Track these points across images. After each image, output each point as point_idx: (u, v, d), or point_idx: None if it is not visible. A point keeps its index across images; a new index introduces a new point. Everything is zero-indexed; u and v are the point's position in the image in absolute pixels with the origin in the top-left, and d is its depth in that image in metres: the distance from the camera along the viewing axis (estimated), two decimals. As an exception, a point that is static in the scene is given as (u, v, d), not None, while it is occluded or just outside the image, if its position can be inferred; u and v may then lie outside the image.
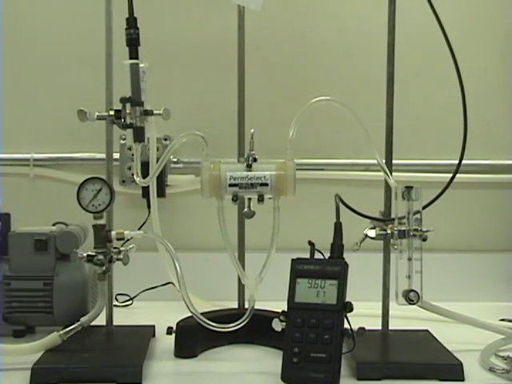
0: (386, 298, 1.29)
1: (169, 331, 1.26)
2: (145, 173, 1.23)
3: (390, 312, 1.30)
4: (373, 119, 1.24)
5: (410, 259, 1.19)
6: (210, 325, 1.18)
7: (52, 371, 1.11)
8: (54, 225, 1.43)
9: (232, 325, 1.19)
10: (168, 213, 1.65)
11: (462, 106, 1.27)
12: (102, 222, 1.22)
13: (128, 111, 1.20)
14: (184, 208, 1.68)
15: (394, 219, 1.22)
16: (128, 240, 1.24)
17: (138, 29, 1.21)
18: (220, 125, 1.57)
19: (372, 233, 1.23)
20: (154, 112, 1.21)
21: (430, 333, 1.30)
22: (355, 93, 1.60)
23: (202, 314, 1.19)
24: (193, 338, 1.26)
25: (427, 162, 1.68)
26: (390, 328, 1.30)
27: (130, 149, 1.62)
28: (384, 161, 1.26)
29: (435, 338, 1.27)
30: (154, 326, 1.34)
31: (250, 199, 1.19)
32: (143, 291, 1.61)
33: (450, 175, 1.28)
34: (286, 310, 1.14)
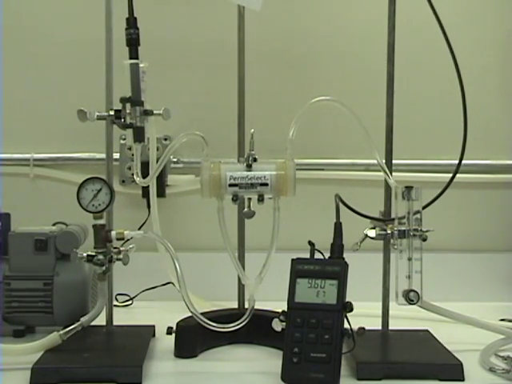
0: (385, 297, 1.29)
1: (169, 331, 1.26)
2: (145, 173, 1.23)
3: (390, 312, 1.30)
4: (373, 119, 1.24)
5: (410, 259, 1.19)
6: (210, 325, 1.18)
7: (52, 371, 1.11)
8: (54, 225, 1.43)
9: (232, 325, 1.18)
10: (168, 213, 1.65)
11: (462, 105, 1.27)
12: (102, 222, 1.22)
13: (128, 111, 1.20)
14: (184, 208, 1.68)
15: (394, 219, 1.22)
16: (128, 240, 1.24)
17: (137, 29, 1.21)
18: (220, 125, 1.56)
19: (372, 233, 1.23)
20: (154, 112, 1.21)
21: (430, 333, 1.30)
22: (355, 93, 1.60)
23: (201, 313, 1.19)
24: (193, 338, 1.26)
25: (427, 162, 1.68)
26: (390, 328, 1.30)
27: (130, 149, 1.61)
28: (384, 161, 1.26)
29: (435, 338, 1.27)
30: (154, 326, 1.34)
31: (250, 199, 1.19)
32: (143, 291, 1.61)
33: (450, 175, 1.28)
34: (286, 309, 1.14)
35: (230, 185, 1.17)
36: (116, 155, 1.46)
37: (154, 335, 1.33)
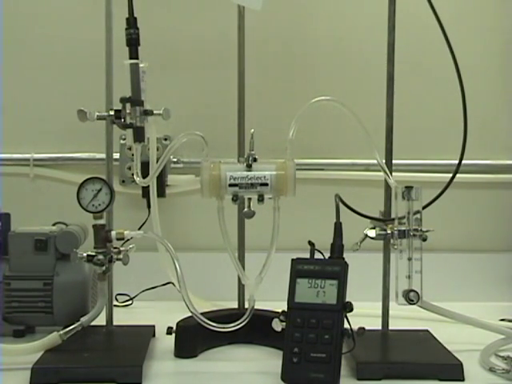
0: (386, 297, 1.29)
1: (169, 331, 1.26)
2: (145, 173, 1.23)
3: (390, 312, 1.30)
4: (373, 119, 1.24)
5: (410, 259, 1.19)
6: (210, 325, 1.18)
7: (52, 371, 1.11)
8: (54, 225, 1.43)
9: (232, 325, 1.18)
10: (168, 213, 1.65)
11: (462, 105, 1.27)
12: (102, 222, 1.22)
13: (128, 111, 1.20)
14: (184, 208, 1.68)
15: (394, 219, 1.22)
16: (128, 240, 1.24)
17: (137, 29, 1.21)
18: (220, 125, 1.56)
19: (372, 233, 1.23)
20: (154, 112, 1.21)
21: (430, 333, 1.30)
22: (355, 93, 1.60)
23: (201, 313, 1.19)
24: (193, 338, 1.25)
25: (427, 162, 1.68)
26: (390, 328, 1.30)
27: (130, 149, 1.61)
28: (384, 161, 1.26)
29: (435, 338, 1.27)
30: (154, 326, 1.34)
31: (250, 199, 1.19)
32: (143, 291, 1.61)
33: (450, 175, 1.28)
34: (286, 310, 1.14)
35: (230, 185, 1.17)
36: (116, 155, 1.46)
37: (154, 335, 1.32)
